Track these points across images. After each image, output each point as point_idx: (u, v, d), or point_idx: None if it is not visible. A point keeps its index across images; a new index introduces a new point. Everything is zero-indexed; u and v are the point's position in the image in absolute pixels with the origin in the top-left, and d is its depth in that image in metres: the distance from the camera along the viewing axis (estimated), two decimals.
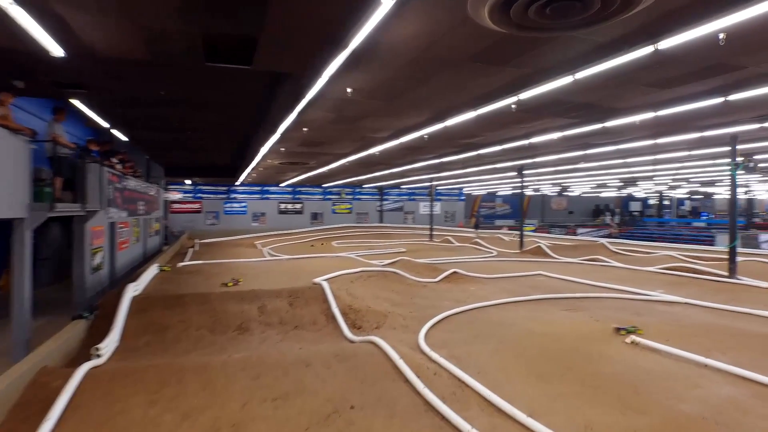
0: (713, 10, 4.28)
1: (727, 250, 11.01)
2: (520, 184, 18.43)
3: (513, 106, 7.91)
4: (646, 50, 5.05)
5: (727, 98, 7.52)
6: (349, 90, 7.33)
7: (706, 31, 4.59)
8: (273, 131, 10.57)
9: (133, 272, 10.77)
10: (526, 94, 7.10)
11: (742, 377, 4.92)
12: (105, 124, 12.50)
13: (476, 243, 20.54)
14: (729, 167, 10.11)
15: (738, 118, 9.75)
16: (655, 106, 8.46)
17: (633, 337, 6.21)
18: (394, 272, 10.70)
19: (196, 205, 31.59)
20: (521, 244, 18.56)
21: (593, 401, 4.41)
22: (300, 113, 8.82)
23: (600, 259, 14.28)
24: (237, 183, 30.61)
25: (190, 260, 14.27)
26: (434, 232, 24.83)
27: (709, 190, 36.90)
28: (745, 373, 4.96)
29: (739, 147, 10.09)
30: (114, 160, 11.76)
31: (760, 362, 5.38)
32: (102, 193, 9.75)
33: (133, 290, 7.43)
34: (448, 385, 4.76)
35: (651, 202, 50.98)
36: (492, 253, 17.37)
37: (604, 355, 5.71)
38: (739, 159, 10.37)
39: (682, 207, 51.02)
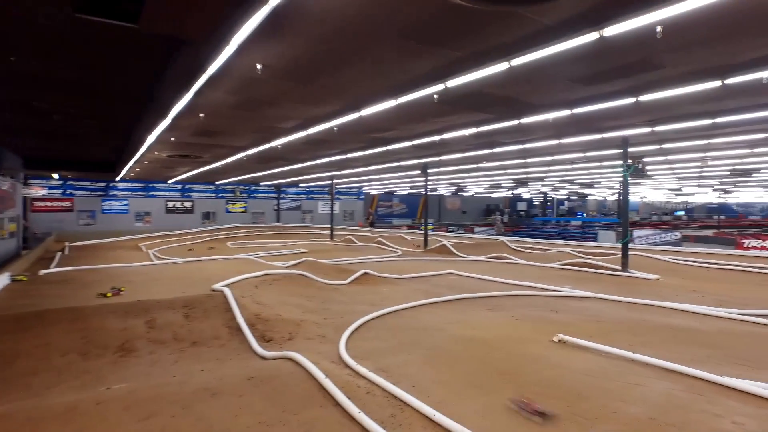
0: None
1: (619, 245, 11.76)
2: (420, 183, 18.47)
3: (435, 96, 7.51)
4: (591, 36, 4.86)
5: (639, 99, 7.83)
6: (259, 66, 6.35)
7: (649, 20, 4.48)
8: (163, 116, 9.07)
9: None
10: (454, 82, 6.69)
11: (669, 370, 4.96)
12: None
13: (380, 242, 20.38)
14: (616, 169, 10.74)
15: (634, 122, 10.37)
16: (572, 104, 8.61)
17: (560, 335, 6.08)
18: (302, 275, 9.91)
19: (67, 203, 27.60)
20: (425, 243, 18.65)
21: None
22: (197, 94, 7.57)
23: (504, 257, 14.62)
24: (117, 179, 27.26)
25: (57, 266, 12.27)
26: (334, 232, 24.42)
27: (586, 191, 40.61)
28: (671, 365, 5.02)
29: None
30: None
31: (677, 353, 5.54)
32: None
33: None
34: (384, 406, 4.13)
35: (535, 202, 55.19)
36: (397, 252, 17.30)
37: (537, 356, 5.49)
38: (629, 161, 11.11)
39: (562, 207, 55.80)
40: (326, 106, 9.27)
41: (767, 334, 6.47)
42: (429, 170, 18.85)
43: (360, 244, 20.91)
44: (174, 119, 9.56)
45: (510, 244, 17.57)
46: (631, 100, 7.95)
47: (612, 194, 42.89)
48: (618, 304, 8.18)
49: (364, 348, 5.96)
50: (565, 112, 8.99)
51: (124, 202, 29.47)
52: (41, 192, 25.74)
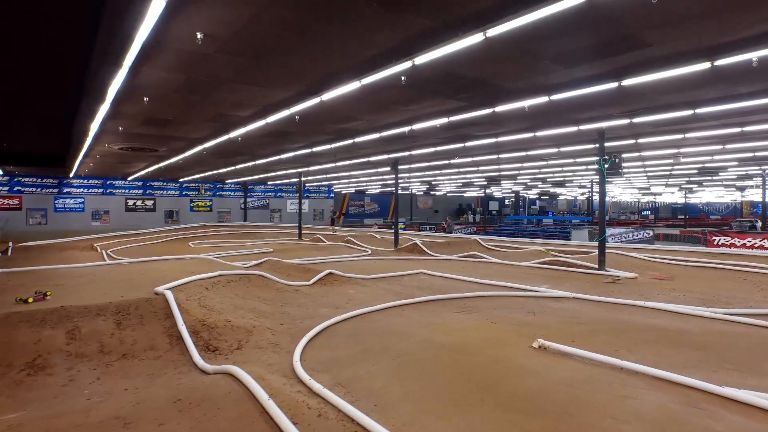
0: None
1: (593, 243, 11.38)
2: (392, 182, 17.84)
3: (403, 78, 6.83)
4: None
5: (621, 83, 7.34)
6: (199, 35, 5.53)
7: None
8: (101, 100, 8.08)
9: None
10: (423, 58, 5.98)
11: (662, 379, 4.46)
12: None
13: (349, 241, 19.77)
14: (589, 166, 10.32)
15: (613, 112, 9.93)
16: (550, 89, 8.03)
17: (540, 340, 5.50)
18: (260, 275, 9.14)
19: (14, 201, 25.76)
20: (396, 241, 18.09)
21: None
22: (134, 71, 6.66)
23: (477, 256, 14.14)
24: (71, 175, 25.60)
25: None
26: (304, 231, 23.71)
27: (557, 190, 40.83)
28: (664, 374, 4.52)
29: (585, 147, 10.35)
30: None
31: (666, 357, 5.04)
32: None
33: None
34: None
35: (507, 202, 55.47)
36: (366, 251, 16.77)
37: (517, 365, 4.91)
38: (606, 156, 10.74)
39: (533, 207, 56.21)
40: (283, 90, 8.45)
41: (756, 335, 6.08)
42: (399, 167, 18.29)
43: (328, 243, 20.30)
44: (116, 104, 8.60)
45: (483, 243, 17.16)
46: (612, 84, 7.44)
47: (583, 193, 43.30)
48: (598, 305, 7.71)
49: (323, 358, 5.28)
50: (542, 99, 8.42)
51: (80, 200, 27.77)
52: None
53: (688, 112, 9.61)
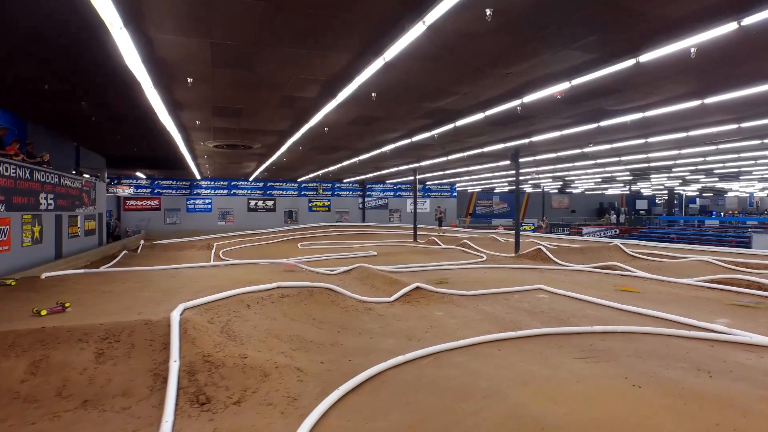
0: None
1: None
2: (515, 175, 15.21)
3: (488, 11, 4.51)
4: None
5: None
6: None
7: None
8: (132, 81, 7.02)
9: None
10: None
11: None
12: None
13: (465, 245, 17.64)
14: None
15: None
16: (738, 7, 4.82)
17: None
18: (327, 289, 7.54)
19: (154, 202, 28.15)
20: (517, 246, 15.47)
21: None
22: (136, 32, 5.32)
23: (617, 267, 11.04)
24: (198, 177, 27.18)
25: (110, 266, 11.74)
26: (421, 232, 22.23)
27: (726, 185, 33.70)
28: None
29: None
30: None
31: None
32: None
33: None
34: None
35: (657, 200, 48.30)
36: (481, 257, 14.63)
37: None
38: None
39: (692, 205, 47.94)
40: (336, 51, 6.45)
41: None
42: (521, 159, 15.62)
43: (443, 246, 18.52)
44: (163, 89, 7.58)
45: (626, 250, 13.84)
46: None
47: (763, 188, 35.22)
48: None
49: None
50: (724, 29, 5.09)
51: (207, 201, 29.44)
52: (127, 191, 26.49)
53: None
